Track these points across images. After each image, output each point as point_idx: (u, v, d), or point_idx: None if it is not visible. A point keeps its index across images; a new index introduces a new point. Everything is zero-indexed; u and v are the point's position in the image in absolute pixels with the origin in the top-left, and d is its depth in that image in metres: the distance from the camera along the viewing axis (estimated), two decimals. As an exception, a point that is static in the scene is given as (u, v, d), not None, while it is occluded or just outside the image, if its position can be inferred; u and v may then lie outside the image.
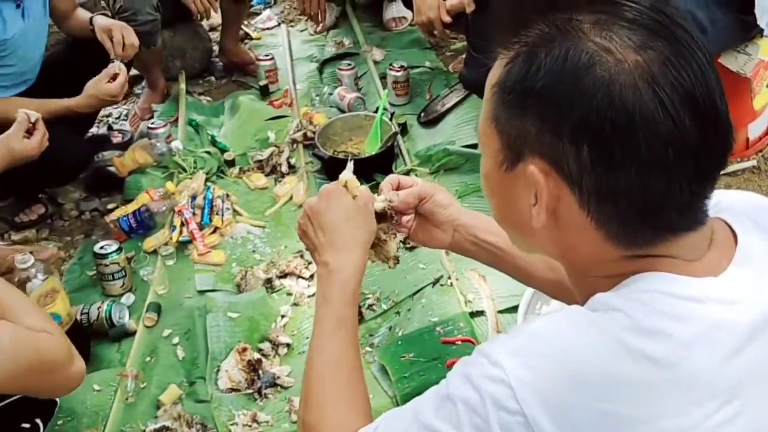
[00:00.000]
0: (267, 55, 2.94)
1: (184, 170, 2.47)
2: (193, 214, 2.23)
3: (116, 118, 3.05)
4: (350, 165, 1.07)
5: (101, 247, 2.03)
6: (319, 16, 3.13)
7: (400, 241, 1.12)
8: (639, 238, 0.68)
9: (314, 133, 2.53)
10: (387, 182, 1.08)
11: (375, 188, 2.26)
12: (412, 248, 2.01)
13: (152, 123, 2.63)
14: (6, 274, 1.98)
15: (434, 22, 2.45)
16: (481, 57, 2.10)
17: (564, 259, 0.75)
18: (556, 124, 0.65)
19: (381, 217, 1.07)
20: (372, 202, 1.04)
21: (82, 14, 2.52)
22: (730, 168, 2.09)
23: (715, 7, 1.63)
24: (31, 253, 1.79)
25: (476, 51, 2.10)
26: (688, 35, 0.65)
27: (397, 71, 2.69)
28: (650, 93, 0.62)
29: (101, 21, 2.42)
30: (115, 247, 2.03)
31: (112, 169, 2.53)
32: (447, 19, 2.42)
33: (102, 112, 2.91)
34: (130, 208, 2.27)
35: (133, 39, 2.39)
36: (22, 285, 1.67)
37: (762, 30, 1.68)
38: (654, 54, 0.63)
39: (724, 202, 0.74)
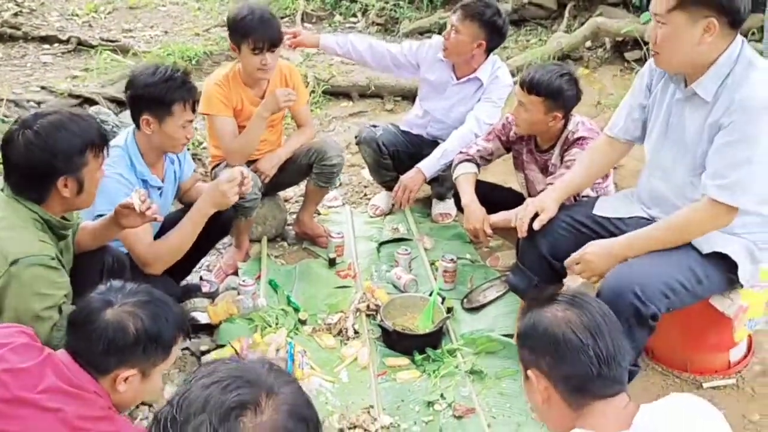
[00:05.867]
0: (338, 233, 3.53)
1: (269, 325, 2.97)
2: (278, 364, 2.69)
3: (201, 267, 3.58)
4: None
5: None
6: (404, 204, 3.65)
7: None
8: (581, 402, 1.40)
9: (377, 305, 3.06)
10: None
11: (426, 359, 2.76)
12: None
13: (243, 280, 3.14)
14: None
15: (478, 232, 3.07)
16: (527, 270, 2.68)
17: None
18: (531, 348, 1.47)
19: None
20: None
21: (200, 186, 3.13)
22: (715, 383, 2.62)
23: (710, 267, 2.24)
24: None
25: (524, 264, 2.68)
26: (596, 308, 1.47)
27: (448, 263, 3.28)
28: (568, 329, 1.43)
29: None
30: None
31: (202, 314, 3.03)
32: (489, 231, 3.05)
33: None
34: (225, 352, 2.75)
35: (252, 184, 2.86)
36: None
37: (742, 284, 2.28)
38: (574, 313, 1.45)
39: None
